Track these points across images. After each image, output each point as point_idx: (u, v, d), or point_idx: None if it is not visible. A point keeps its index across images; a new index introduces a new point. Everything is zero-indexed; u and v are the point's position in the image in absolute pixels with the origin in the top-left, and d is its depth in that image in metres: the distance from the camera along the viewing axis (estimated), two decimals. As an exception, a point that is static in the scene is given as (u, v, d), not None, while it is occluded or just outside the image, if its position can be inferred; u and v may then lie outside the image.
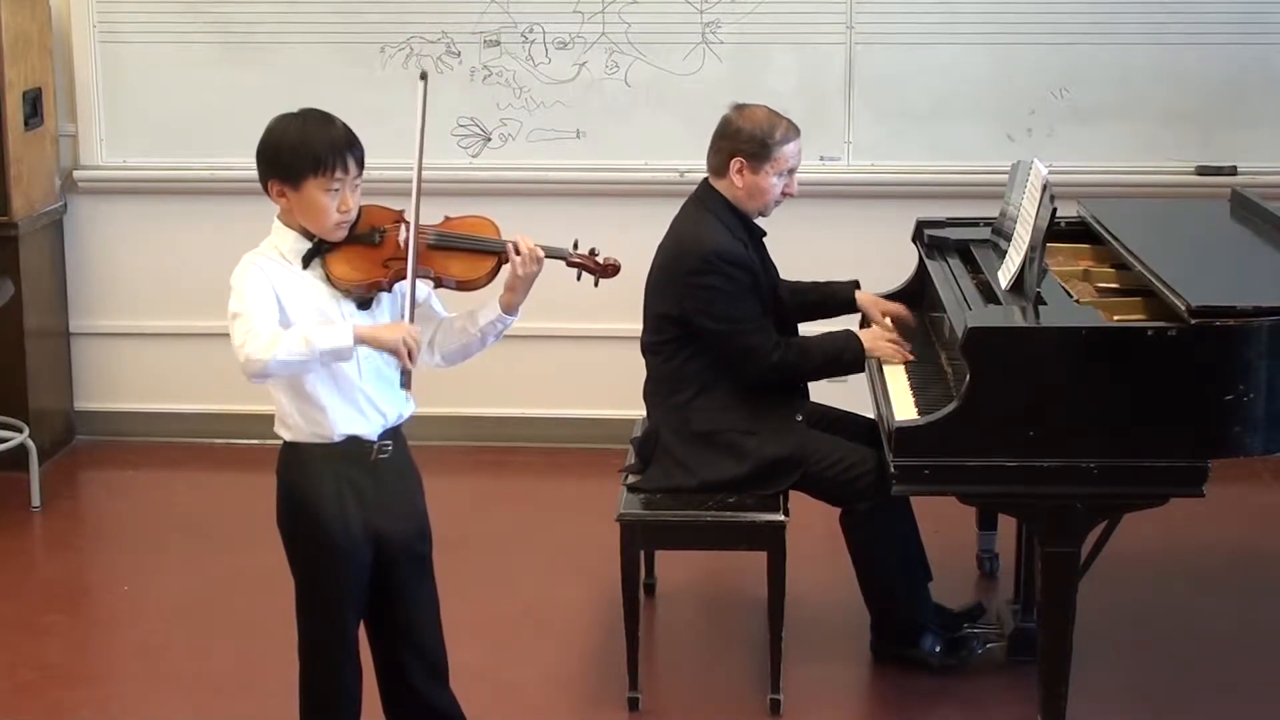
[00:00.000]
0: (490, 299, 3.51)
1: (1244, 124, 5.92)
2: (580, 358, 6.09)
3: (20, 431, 5.72)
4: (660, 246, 4.44)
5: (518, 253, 3.45)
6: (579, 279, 3.63)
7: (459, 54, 6.00)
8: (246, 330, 3.33)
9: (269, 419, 6.48)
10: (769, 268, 4.52)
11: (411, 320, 3.36)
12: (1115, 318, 4.10)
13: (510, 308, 3.49)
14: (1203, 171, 5.92)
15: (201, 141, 6.11)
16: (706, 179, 4.46)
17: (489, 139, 6.03)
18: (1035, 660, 4.05)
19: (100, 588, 5.25)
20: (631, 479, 4.40)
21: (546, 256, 3.49)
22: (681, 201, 4.51)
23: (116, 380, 6.33)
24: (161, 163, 6.16)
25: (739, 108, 4.44)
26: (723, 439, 4.34)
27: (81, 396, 6.34)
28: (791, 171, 4.40)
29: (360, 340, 3.29)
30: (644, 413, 4.56)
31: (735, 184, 4.38)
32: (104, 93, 6.13)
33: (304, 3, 6.03)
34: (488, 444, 6.16)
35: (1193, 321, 3.77)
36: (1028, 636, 4.39)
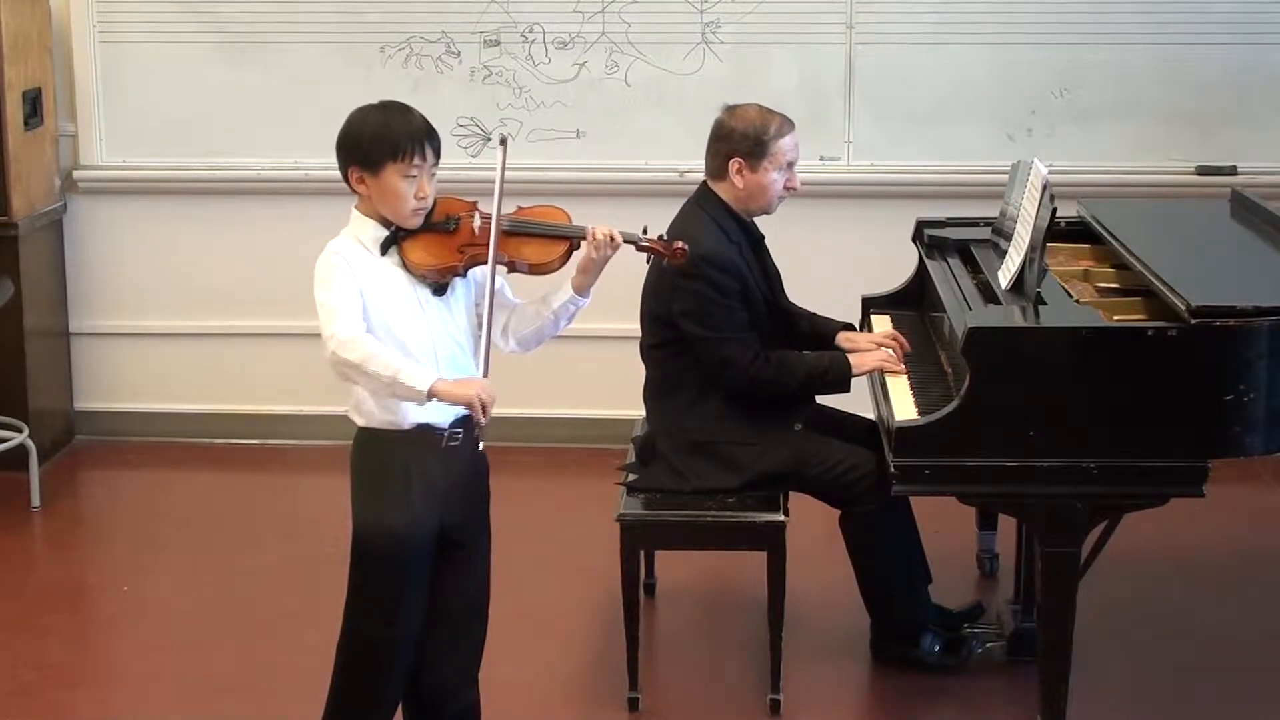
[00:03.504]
0: (562, 282, 3.60)
1: (1244, 124, 5.93)
2: (580, 358, 6.09)
3: (20, 431, 5.72)
4: (659, 247, 4.43)
5: (595, 238, 3.54)
6: (648, 262, 3.79)
7: (459, 54, 6.00)
8: (336, 326, 3.35)
9: (269, 419, 6.50)
10: (769, 274, 4.50)
11: (488, 332, 3.46)
12: (1115, 318, 4.10)
13: (582, 289, 3.58)
14: (1203, 171, 5.92)
15: (201, 141, 6.12)
16: (705, 182, 4.46)
17: (489, 139, 6.03)
18: (1035, 660, 4.05)
19: (100, 588, 5.25)
20: (629, 478, 4.40)
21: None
22: (681, 201, 4.51)
23: (116, 380, 6.33)
24: (161, 163, 6.16)
25: (730, 109, 4.43)
26: (719, 450, 4.32)
27: (81, 396, 6.34)
28: (791, 165, 4.39)
29: (435, 394, 3.33)
30: (644, 412, 4.56)
31: (736, 185, 4.37)
32: (104, 93, 6.13)
33: (304, 3, 6.04)
34: (487, 444, 6.14)
35: (1193, 321, 3.77)
36: (1028, 636, 4.39)
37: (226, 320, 6.24)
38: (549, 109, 6.02)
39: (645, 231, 3.70)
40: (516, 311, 3.63)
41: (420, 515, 3.48)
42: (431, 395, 3.33)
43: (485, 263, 3.47)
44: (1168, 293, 3.93)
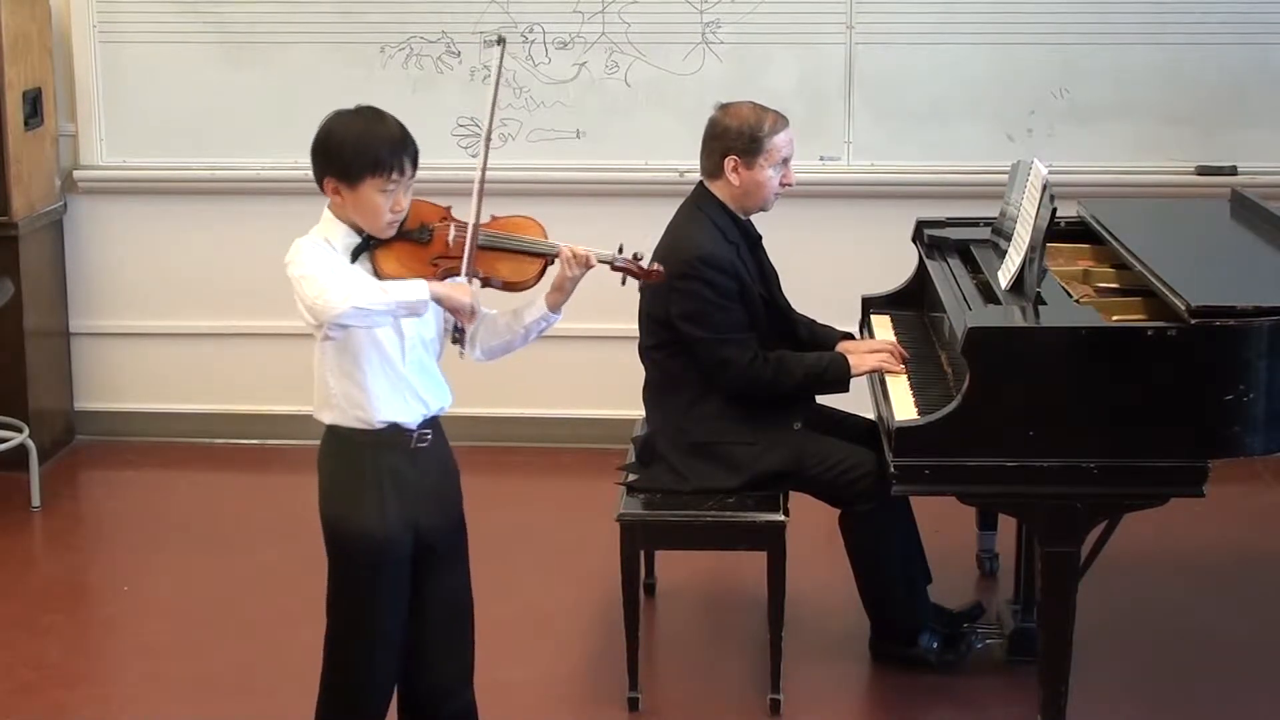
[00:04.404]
0: (536, 297, 3.57)
1: (1244, 124, 5.93)
2: (580, 358, 6.09)
3: (20, 431, 5.72)
4: (654, 250, 4.42)
5: (568, 258, 3.49)
6: (623, 283, 3.68)
7: (459, 54, 6.00)
8: (321, 282, 3.30)
9: (269, 419, 6.48)
10: (766, 273, 4.50)
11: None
12: (1115, 318, 4.10)
13: (556, 307, 3.56)
14: (1203, 171, 5.92)
15: (201, 141, 6.12)
16: (701, 182, 4.46)
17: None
18: (1035, 660, 4.05)
19: (100, 588, 5.25)
20: (629, 478, 4.40)
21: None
22: (681, 201, 4.51)
23: (116, 380, 6.33)
24: (161, 163, 6.16)
25: (723, 107, 4.43)
26: (719, 450, 4.32)
27: (81, 396, 6.34)
28: (786, 161, 4.39)
29: (434, 294, 3.35)
30: (644, 413, 4.56)
31: (732, 182, 4.37)
32: (104, 93, 6.13)
33: (304, 3, 6.04)
34: (488, 444, 6.16)
35: (1193, 321, 3.77)
36: (1028, 636, 4.39)
37: (226, 320, 6.24)
38: (549, 109, 6.02)
39: (621, 250, 3.63)
40: (487, 322, 3.59)
41: (396, 518, 3.46)
42: (433, 295, 3.34)
43: (459, 274, 3.45)
44: (1167, 293, 3.93)
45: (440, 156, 5.85)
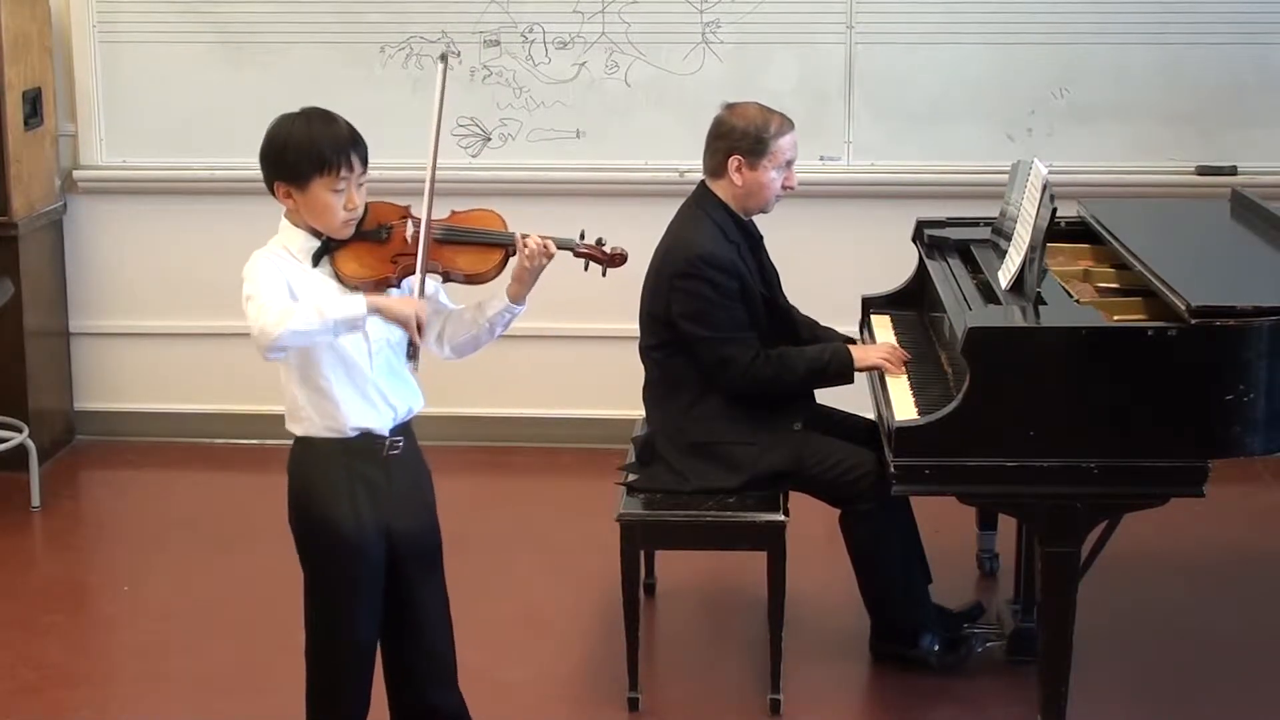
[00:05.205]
0: (498, 289, 3.54)
1: (1244, 124, 5.93)
2: (580, 358, 6.09)
3: (20, 431, 5.72)
4: (655, 249, 4.43)
5: (526, 247, 3.47)
6: (586, 269, 3.64)
7: (459, 54, 5.99)
8: (259, 307, 3.30)
9: (269, 419, 6.46)
10: (767, 273, 4.50)
11: (424, 252, 3.42)
12: (1115, 318, 4.10)
13: (517, 298, 3.52)
14: (1203, 171, 5.92)
15: (201, 141, 6.12)
16: (703, 181, 4.46)
17: (489, 139, 6.03)
18: (1035, 660, 4.05)
19: (100, 588, 5.25)
20: (629, 478, 4.40)
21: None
22: (681, 201, 4.51)
23: (116, 380, 6.33)
24: (161, 163, 6.17)
25: (730, 106, 4.44)
26: (719, 450, 4.32)
27: (81, 396, 6.35)
28: (789, 164, 4.40)
29: (373, 309, 3.32)
30: (644, 412, 4.56)
31: (735, 182, 4.37)
32: (104, 93, 6.13)
33: (304, 3, 6.04)
34: (487, 444, 6.16)
35: (1193, 321, 3.77)
36: (1028, 636, 4.39)
37: (226, 320, 6.21)
38: (549, 109, 6.02)
39: (583, 236, 3.61)
40: (453, 317, 3.58)
41: (369, 522, 3.46)
42: (370, 311, 3.30)
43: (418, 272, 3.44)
44: (1168, 293, 3.93)
45: (440, 156, 5.84)
